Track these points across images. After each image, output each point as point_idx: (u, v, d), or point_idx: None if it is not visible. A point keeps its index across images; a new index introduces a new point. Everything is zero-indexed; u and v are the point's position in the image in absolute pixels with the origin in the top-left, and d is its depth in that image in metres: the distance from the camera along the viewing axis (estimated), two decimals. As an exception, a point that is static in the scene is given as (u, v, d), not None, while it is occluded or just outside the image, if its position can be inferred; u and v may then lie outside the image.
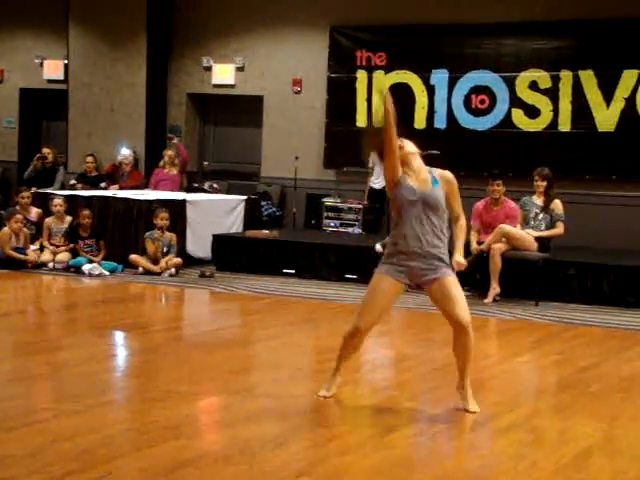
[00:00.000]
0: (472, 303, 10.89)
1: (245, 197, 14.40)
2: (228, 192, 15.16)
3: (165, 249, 12.62)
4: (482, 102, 13.99)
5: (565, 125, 13.50)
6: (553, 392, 7.69)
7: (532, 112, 13.68)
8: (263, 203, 14.82)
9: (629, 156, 13.16)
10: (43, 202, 13.35)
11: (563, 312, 10.75)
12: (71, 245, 12.79)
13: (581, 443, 6.12)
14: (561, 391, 7.61)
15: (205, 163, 16.38)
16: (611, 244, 12.80)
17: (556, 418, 6.90)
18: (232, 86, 15.71)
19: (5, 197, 15.18)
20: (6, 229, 12.59)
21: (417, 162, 6.53)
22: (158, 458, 5.37)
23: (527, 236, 11.27)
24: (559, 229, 11.36)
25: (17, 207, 13.19)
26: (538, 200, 11.50)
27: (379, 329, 10.22)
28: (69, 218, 12.99)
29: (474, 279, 11.37)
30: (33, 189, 13.91)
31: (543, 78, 13.57)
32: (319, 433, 6.29)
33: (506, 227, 11.23)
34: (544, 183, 11.44)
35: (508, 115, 13.81)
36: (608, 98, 13.21)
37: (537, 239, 11.24)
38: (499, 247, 11.12)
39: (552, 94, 13.53)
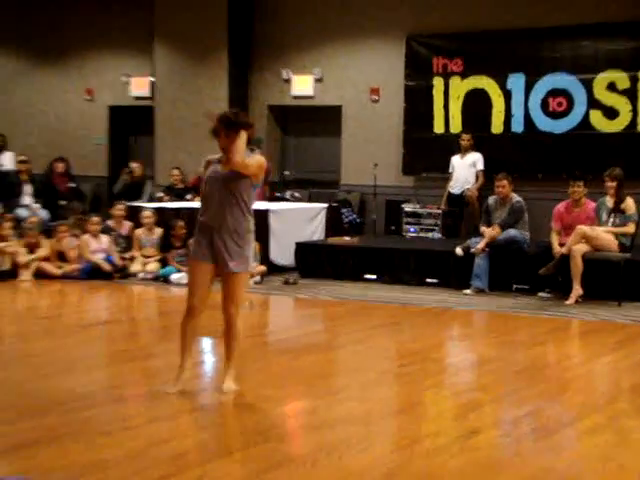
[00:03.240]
0: (555, 305, 10.86)
1: (326, 205, 14.43)
2: (309, 200, 15.22)
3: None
4: (560, 105, 13.83)
5: (644, 126, 13.33)
6: (637, 393, 7.57)
7: (611, 113, 13.49)
8: (344, 210, 14.84)
9: None
10: (132, 215, 13.54)
11: (645, 312, 10.60)
12: (160, 256, 12.94)
13: (667, 443, 6.03)
14: (645, 391, 7.51)
15: (286, 173, 16.47)
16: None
17: (641, 418, 6.80)
18: (311, 97, 15.77)
19: (96, 210, 15.42)
20: (86, 236, 12.84)
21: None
22: (249, 461, 5.41)
23: (607, 236, 11.12)
24: (629, 227, 11.20)
25: (111, 220, 13.45)
26: (610, 201, 11.36)
27: (461, 332, 10.20)
28: (158, 229, 13.16)
29: (556, 281, 11.26)
30: (124, 202, 14.09)
31: (621, 79, 13.38)
32: (404, 436, 6.28)
33: (585, 228, 11.10)
34: (614, 184, 11.29)
35: (586, 117, 13.63)
36: (687, 96, 13.03)
37: (617, 239, 11.11)
38: (579, 248, 10.99)
39: (631, 94, 13.33)
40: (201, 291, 6.96)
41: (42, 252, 12.87)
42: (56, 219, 14.10)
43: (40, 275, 12.66)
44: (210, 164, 6.97)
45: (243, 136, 6.70)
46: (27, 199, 14.83)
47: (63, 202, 14.80)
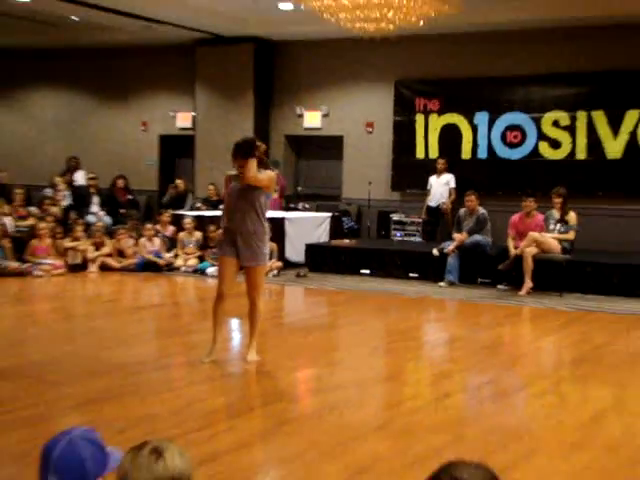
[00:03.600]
0: (510, 295, 10.89)
1: (330, 214, 14.41)
2: (317, 210, 15.19)
3: (269, 255, 12.71)
4: (515, 137, 13.83)
5: (582, 154, 13.28)
6: (575, 364, 7.59)
7: (555, 144, 13.49)
8: (344, 219, 14.83)
9: (633, 178, 12.93)
10: (177, 221, 13.57)
11: (582, 301, 10.57)
12: (199, 253, 12.98)
13: (598, 405, 6.05)
14: (581, 363, 7.51)
15: (299, 188, 16.46)
16: (619, 247, 12.58)
17: (578, 385, 6.83)
18: (319, 128, 15.76)
19: (148, 217, 15.44)
20: (143, 239, 12.92)
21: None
22: (267, 417, 5.45)
23: (553, 241, 11.15)
24: (570, 235, 11.21)
25: (159, 225, 13.51)
26: (557, 213, 11.38)
27: (437, 316, 10.22)
28: (197, 233, 13.18)
29: (511, 276, 11.28)
30: (170, 211, 14.14)
31: (563, 117, 13.37)
32: (391, 398, 6.31)
33: (535, 234, 11.12)
34: (560, 199, 11.32)
35: (536, 147, 13.62)
36: (615, 132, 12.99)
37: (560, 244, 11.14)
38: (530, 250, 11.02)
39: (571, 130, 13.33)
40: (228, 280, 6.99)
41: (106, 250, 12.91)
42: (117, 224, 14.12)
43: (104, 268, 12.69)
44: (230, 180, 6.95)
45: (253, 160, 6.72)
46: (95, 208, 14.84)
47: (122, 210, 14.81)
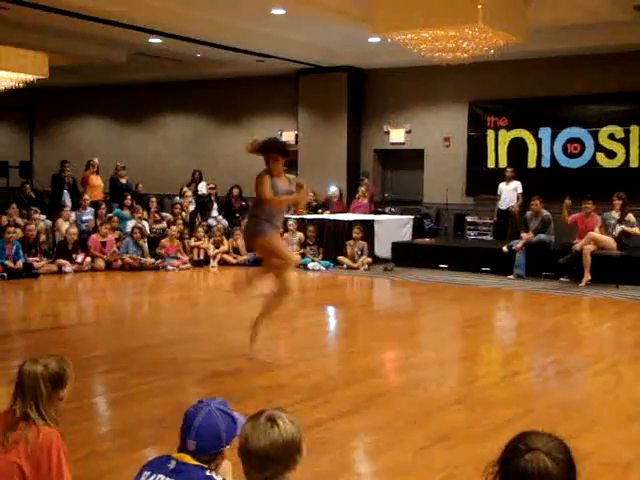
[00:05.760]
0: (571, 287, 10.63)
1: (413, 217, 14.34)
2: (402, 214, 15.13)
3: (360, 252, 12.76)
4: (575, 149, 13.49)
5: (635, 163, 12.88)
6: (631, 347, 7.36)
7: (611, 154, 13.11)
8: (425, 221, 14.72)
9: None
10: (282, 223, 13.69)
11: (636, 292, 10.24)
12: (302, 250, 13.09)
13: (652, 384, 5.87)
14: (636, 346, 7.29)
15: (386, 195, 16.39)
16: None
17: (633, 365, 6.62)
18: (403, 143, 15.69)
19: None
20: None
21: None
22: (361, 390, 5.47)
23: (609, 239, 10.84)
24: (636, 230, 10.89)
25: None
26: (616, 214, 11.04)
27: (506, 305, 10.06)
28: (299, 233, 13.30)
29: (572, 270, 11.00)
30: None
31: (618, 131, 12.98)
32: (468, 374, 6.25)
33: (594, 234, 10.85)
34: (620, 201, 11.00)
35: (594, 157, 13.26)
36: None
37: (617, 241, 10.82)
38: (589, 248, 10.73)
39: (624, 142, 12.96)
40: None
41: (224, 248, 13.15)
42: (233, 226, 14.36)
43: (222, 263, 12.95)
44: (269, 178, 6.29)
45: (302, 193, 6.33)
46: (215, 212, 15.13)
47: (237, 214, 15.07)
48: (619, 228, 10.91)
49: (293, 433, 2.17)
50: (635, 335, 7.80)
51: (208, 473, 2.33)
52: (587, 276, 10.71)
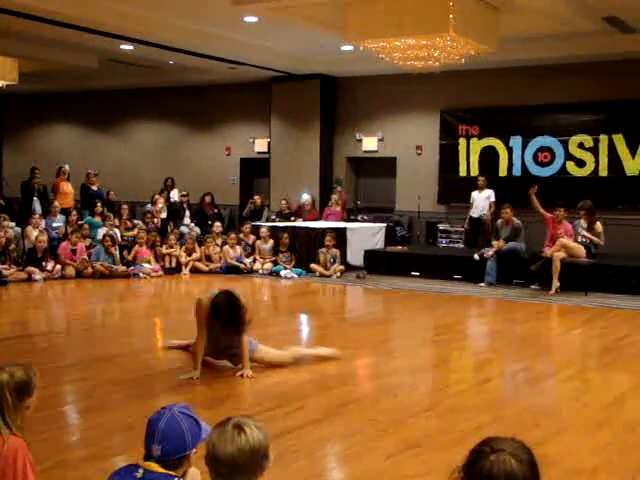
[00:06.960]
0: (542, 294, 10.73)
1: (385, 224, 14.39)
2: (374, 221, 15.18)
3: (332, 260, 12.77)
4: (545, 157, 13.65)
5: (604, 172, 13.07)
6: (599, 354, 7.45)
7: (580, 163, 13.30)
8: (397, 228, 14.79)
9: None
10: (255, 231, 13.68)
11: (605, 299, 10.37)
12: (274, 258, 13.08)
13: (619, 389, 5.94)
14: (604, 353, 7.38)
15: (358, 202, 16.44)
16: (637, 252, 12.32)
17: (601, 372, 6.70)
18: (375, 151, 15.75)
19: (232, 227, 15.61)
20: (227, 246, 13.03)
21: None
22: (333, 398, 5.46)
23: (579, 247, 10.96)
24: (599, 240, 11.02)
25: (241, 234, 13.59)
26: (584, 223, 11.18)
27: (477, 312, 10.13)
28: (271, 240, 13.28)
29: (542, 277, 11.11)
30: (249, 222, 14.26)
31: (587, 140, 13.17)
32: (439, 381, 6.28)
33: (564, 240, 10.95)
34: (583, 212, 11.14)
35: (564, 166, 13.44)
36: (633, 153, 12.78)
37: (586, 249, 10.95)
38: (559, 255, 10.84)
39: (594, 151, 13.15)
40: None
41: (196, 255, 13.09)
42: (205, 233, 14.31)
43: (194, 271, 12.89)
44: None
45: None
46: (187, 220, 15.07)
47: (209, 222, 15.02)
48: (582, 232, 11.07)
49: (260, 440, 2.18)
50: (603, 342, 7.89)
51: (176, 481, 2.32)
52: (555, 283, 10.80)
